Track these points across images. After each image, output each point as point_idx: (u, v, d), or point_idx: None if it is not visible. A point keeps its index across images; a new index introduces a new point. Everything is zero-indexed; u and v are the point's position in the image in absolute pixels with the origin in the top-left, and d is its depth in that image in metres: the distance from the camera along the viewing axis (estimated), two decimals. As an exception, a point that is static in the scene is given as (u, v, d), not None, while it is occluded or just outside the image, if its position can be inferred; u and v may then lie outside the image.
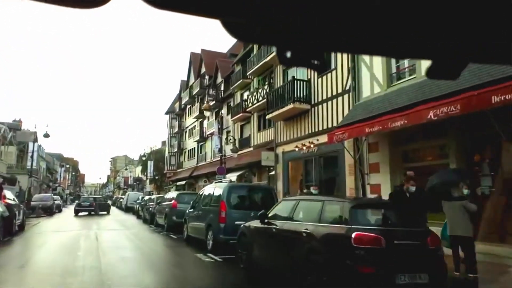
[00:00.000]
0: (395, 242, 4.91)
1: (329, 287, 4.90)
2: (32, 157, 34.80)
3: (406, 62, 11.08)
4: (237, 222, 9.58)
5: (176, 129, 45.22)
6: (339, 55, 13.59)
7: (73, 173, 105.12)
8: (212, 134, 30.17)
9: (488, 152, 9.03)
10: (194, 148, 37.84)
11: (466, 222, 6.89)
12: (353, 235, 4.84)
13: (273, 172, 19.21)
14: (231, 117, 26.28)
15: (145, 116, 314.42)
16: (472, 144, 9.27)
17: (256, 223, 7.53)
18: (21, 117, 65.53)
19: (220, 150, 23.68)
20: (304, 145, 15.37)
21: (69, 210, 39.61)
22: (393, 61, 11.42)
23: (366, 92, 12.32)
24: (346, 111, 13.19)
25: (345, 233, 4.99)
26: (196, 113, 37.14)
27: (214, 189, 11.56)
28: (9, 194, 15.26)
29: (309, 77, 15.83)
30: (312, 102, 15.40)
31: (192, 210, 12.64)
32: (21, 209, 16.52)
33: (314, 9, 0.54)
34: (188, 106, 41.49)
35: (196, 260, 9.40)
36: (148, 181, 58.18)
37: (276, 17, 0.56)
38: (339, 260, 4.95)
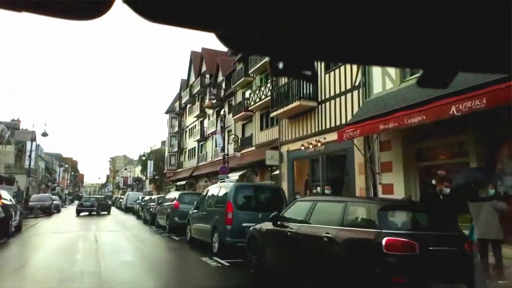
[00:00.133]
0: (429, 248, 4.40)
1: None
2: (30, 156, 34.28)
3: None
4: (244, 224, 9.12)
5: (176, 129, 44.74)
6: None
7: (72, 173, 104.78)
8: (213, 133, 29.70)
9: (510, 150, 8.54)
10: (195, 147, 37.37)
11: (497, 224, 6.39)
12: (384, 240, 4.33)
13: (276, 172, 18.72)
14: (233, 116, 25.86)
15: (145, 116, 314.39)
16: (493, 141, 8.78)
17: (267, 226, 7.01)
18: (21, 117, 65.08)
19: (223, 149, 23.16)
20: (310, 143, 14.89)
21: (68, 210, 39.10)
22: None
23: (377, 88, 11.81)
24: (355, 108, 12.69)
25: (374, 238, 4.48)
26: (196, 112, 36.67)
27: (219, 189, 11.02)
28: (5, 194, 14.76)
29: (316, 73, 15.29)
30: (319, 99, 14.89)
31: (195, 211, 12.11)
32: (18, 209, 16.00)
33: (306, 22, 0.55)
34: (189, 105, 41.03)
35: (202, 264, 8.86)
36: (147, 181, 57.69)
37: (269, 30, 0.57)
38: (368, 269, 4.43)
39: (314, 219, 5.84)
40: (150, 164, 51.39)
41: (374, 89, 11.96)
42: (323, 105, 14.70)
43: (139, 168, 66.94)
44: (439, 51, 0.62)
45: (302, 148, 15.34)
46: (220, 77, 31.07)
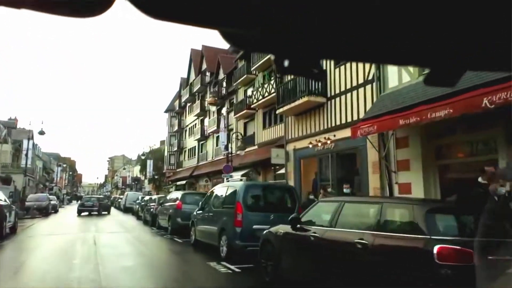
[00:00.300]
0: (489, 258, 3.75)
1: None
2: (26, 155, 33.53)
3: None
4: (255, 226, 8.49)
5: (176, 128, 44.04)
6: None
7: (70, 173, 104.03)
8: (214, 132, 29.06)
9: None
10: (195, 147, 36.70)
11: None
12: (435, 248, 3.68)
13: (281, 171, 18.09)
14: (234, 115, 25.25)
15: (144, 116, 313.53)
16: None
17: (285, 229, 6.33)
18: (20, 117, 64.41)
19: (227, 147, 22.50)
20: (319, 141, 14.24)
21: (66, 210, 38.37)
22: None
23: (393, 82, 11.15)
24: (368, 104, 12.04)
25: (422, 246, 3.83)
26: (197, 111, 35.99)
27: (227, 188, 10.34)
28: (-1, 194, 14.09)
29: (325, 67, 14.65)
30: (328, 95, 14.24)
31: (200, 211, 11.43)
32: (13, 210, 15.29)
33: (312, 20, 0.54)
34: (189, 104, 40.35)
35: (210, 270, 8.18)
36: (146, 181, 56.97)
37: (274, 28, 0.56)
38: (417, 282, 3.77)
39: (343, 222, 5.16)
40: (150, 163, 50.64)
41: (390, 83, 11.29)
42: (332, 100, 14.04)
43: (137, 168, 66.17)
44: (444, 49, 0.61)
45: (310, 146, 14.69)
46: (221, 75, 30.41)
